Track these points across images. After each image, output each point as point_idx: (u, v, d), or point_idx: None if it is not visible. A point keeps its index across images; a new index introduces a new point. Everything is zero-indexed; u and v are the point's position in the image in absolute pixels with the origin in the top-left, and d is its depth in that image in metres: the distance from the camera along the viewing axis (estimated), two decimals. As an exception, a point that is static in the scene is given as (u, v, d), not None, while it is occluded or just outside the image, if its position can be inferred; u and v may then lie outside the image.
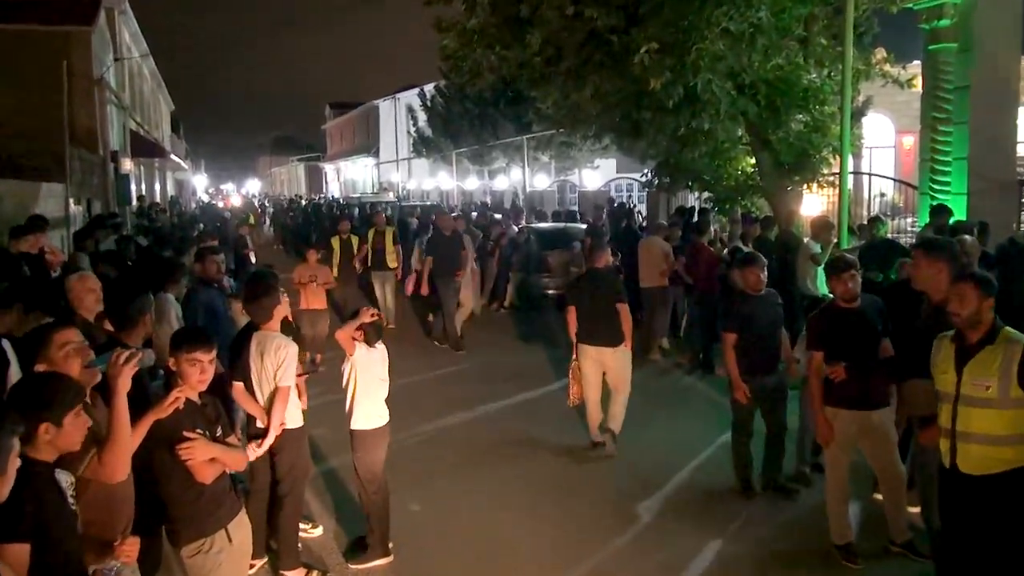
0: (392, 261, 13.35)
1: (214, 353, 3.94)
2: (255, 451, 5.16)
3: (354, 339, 5.56)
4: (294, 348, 5.28)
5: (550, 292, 14.86)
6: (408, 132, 44.09)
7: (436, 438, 8.33)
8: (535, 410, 9.29)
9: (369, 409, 5.62)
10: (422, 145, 39.34)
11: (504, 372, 10.86)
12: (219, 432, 3.98)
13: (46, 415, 3.05)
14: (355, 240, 13.32)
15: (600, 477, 7.18)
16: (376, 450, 5.64)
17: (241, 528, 4.02)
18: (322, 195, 56.92)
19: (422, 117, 39.24)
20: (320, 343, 10.68)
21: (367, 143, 57.54)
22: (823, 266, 7.95)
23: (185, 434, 3.76)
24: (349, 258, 13.11)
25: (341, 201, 42.29)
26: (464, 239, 12.81)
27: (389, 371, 5.85)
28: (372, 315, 5.60)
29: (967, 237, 6.92)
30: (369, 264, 13.37)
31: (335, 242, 13.23)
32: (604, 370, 7.81)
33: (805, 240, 10.32)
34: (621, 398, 7.87)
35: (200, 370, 3.86)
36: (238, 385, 5.31)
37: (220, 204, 48.07)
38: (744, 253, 6.87)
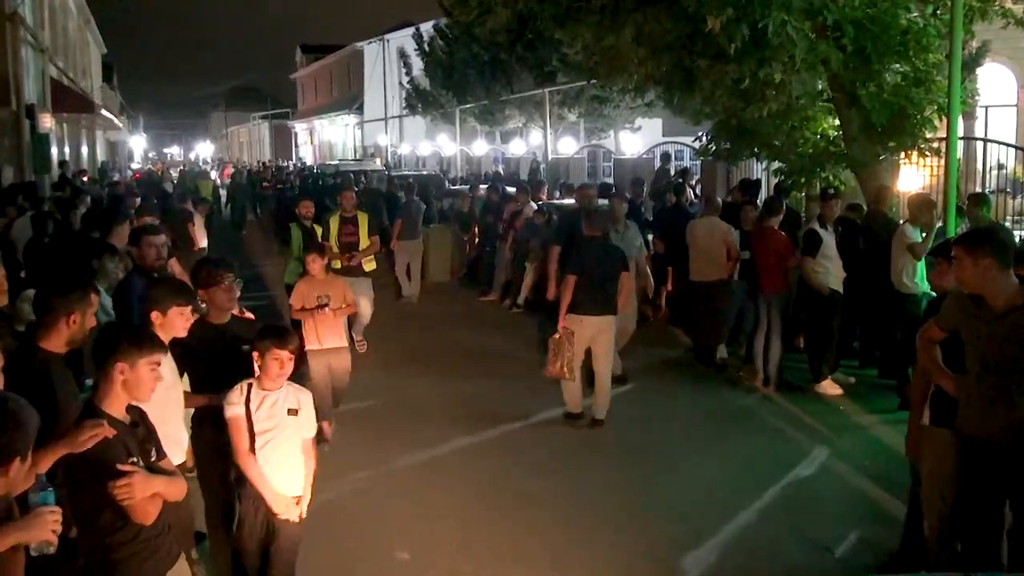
0: (368, 262, 12.22)
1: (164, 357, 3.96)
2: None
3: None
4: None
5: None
6: (400, 83, 44.11)
7: (433, 469, 8.35)
8: (557, 433, 9.31)
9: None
10: (417, 100, 39.32)
11: (518, 386, 10.86)
12: (153, 456, 3.98)
13: (25, 443, 3.09)
14: (319, 229, 11.97)
15: (640, 519, 7.18)
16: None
17: None
18: (292, 161, 57.06)
19: (418, 64, 39.24)
20: (340, 397, 9.25)
21: (348, 96, 57.65)
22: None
23: (119, 467, 3.72)
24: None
25: (284, 165, 42.08)
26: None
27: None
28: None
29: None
30: (337, 264, 11.68)
31: (295, 232, 11.80)
32: (592, 342, 9.31)
33: (901, 223, 10.26)
34: (606, 379, 9.43)
35: (156, 376, 3.93)
36: None
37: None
38: None
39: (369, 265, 12.18)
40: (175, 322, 5.21)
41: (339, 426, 9.03)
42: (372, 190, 23.16)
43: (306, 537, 6.84)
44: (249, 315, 7.59)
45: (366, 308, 12.09)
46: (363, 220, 12.15)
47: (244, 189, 33.87)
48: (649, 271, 11.20)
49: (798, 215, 12.33)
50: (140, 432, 3.96)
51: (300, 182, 31.06)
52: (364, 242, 12.01)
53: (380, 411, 9.48)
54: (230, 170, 48.36)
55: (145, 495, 3.78)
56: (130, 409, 3.95)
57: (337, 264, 11.34)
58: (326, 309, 8.69)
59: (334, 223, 12.05)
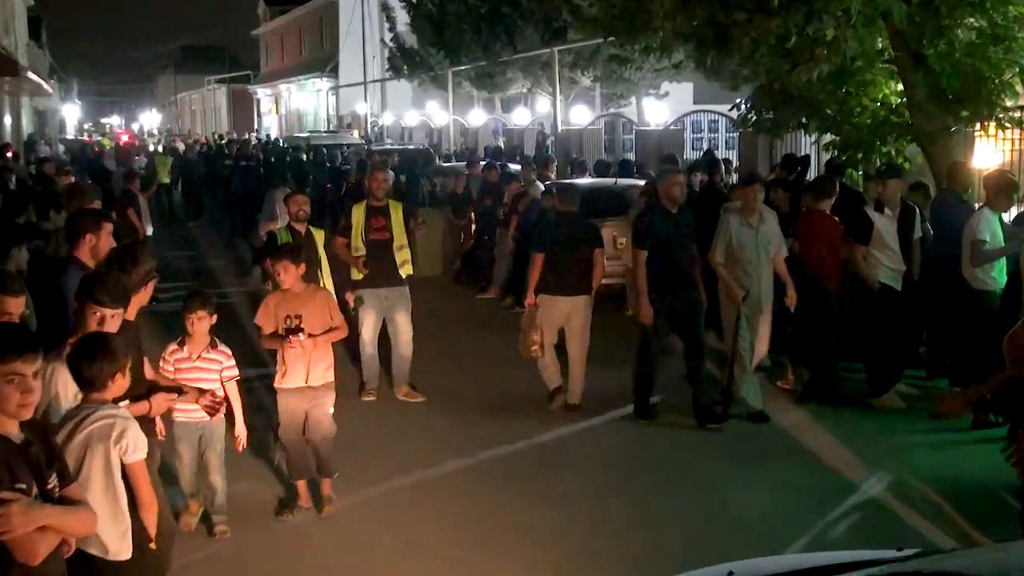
0: (407, 265, 10.98)
1: (39, 363, 3.92)
2: None
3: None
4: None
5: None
6: (382, 41, 44.12)
7: (418, 498, 8.35)
8: (565, 456, 9.33)
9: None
10: (403, 60, 39.36)
11: (520, 400, 10.88)
12: (52, 481, 3.94)
13: None
14: (320, 235, 10.50)
15: (664, 558, 7.17)
16: None
17: None
18: (254, 132, 57.01)
19: (403, 18, 39.26)
20: (326, 455, 8.03)
21: (321, 57, 57.66)
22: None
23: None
24: (310, 275, 9.07)
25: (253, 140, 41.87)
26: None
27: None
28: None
29: None
30: (359, 274, 10.80)
31: (283, 240, 9.89)
32: (564, 323, 10.32)
33: (976, 207, 10.26)
34: (580, 363, 10.41)
35: (22, 389, 3.82)
36: None
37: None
38: None
39: (407, 269, 11.00)
40: (87, 321, 5.25)
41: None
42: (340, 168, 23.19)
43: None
44: (224, 349, 7.46)
45: (406, 329, 10.96)
46: (396, 210, 11.02)
47: (196, 168, 33.37)
48: (789, 276, 10.42)
49: (860, 196, 12.29)
50: (35, 452, 3.91)
51: (264, 158, 30.92)
52: (400, 239, 10.88)
53: (355, 428, 9.47)
54: (124, 138, 48.01)
55: (28, 528, 3.73)
56: (26, 426, 3.91)
57: (357, 274, 10.74)
58: (300, 337, 7.67)
59: (358, 215, 10.88)
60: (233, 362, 7.47)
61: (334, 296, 9.15)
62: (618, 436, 9.90)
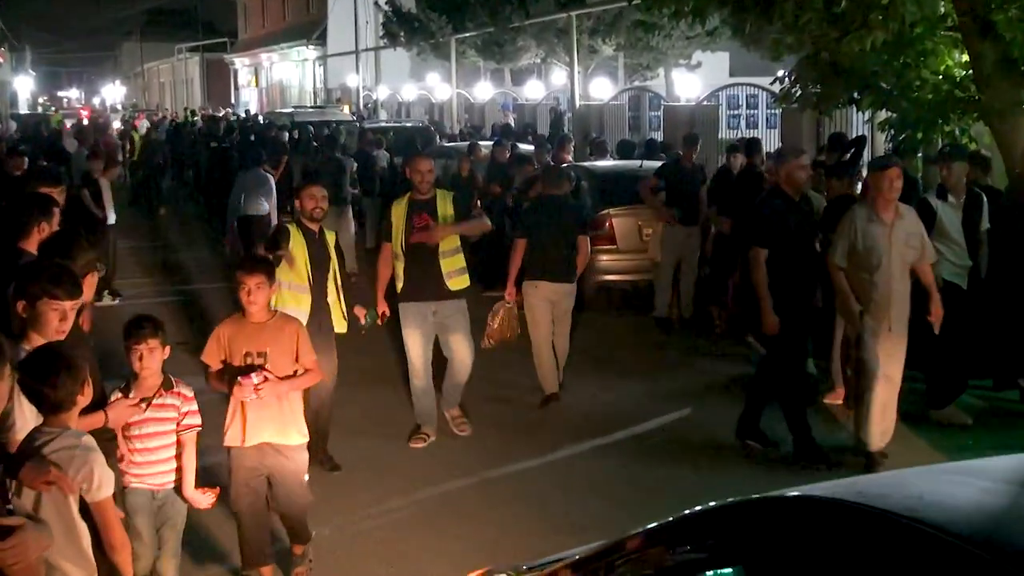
0: (459, 277, 10.09)
1: (7, 368, 3.97)
2: None
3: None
4: None
5: (612, 279, 14.82)
6: (376, 3, 44.21)
7: (420, 522, 8.37)
8: (585, 474, 9.35)
9: None
10: (399, 26, 39.38)
11: (528, 410, 10.93)
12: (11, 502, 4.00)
13: None
14: (332, 238, 9.43)
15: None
16: None
17: None
18: (228, 109, 57.07)
19: (400, -21, 39.35)
20: (301, 531, 7.34)
21: (306, 22, 57.72)
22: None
23: (3, 522, 3.72)
24: (322, 284, 9.09)
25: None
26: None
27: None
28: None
29: None
30: (401, 287, 10.02)
31: (295, 236, 8.98)
32: (553, 309, 11.10)
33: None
34: (563, 352, 11.36)
35: None
36: None
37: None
38: None
39: (460, 282, 10.13)
40: (47, 320, 5.23)
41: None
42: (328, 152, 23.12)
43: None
44: (183, 390, 6.45)
45: (461, 348, 10.24)
46: (445, 203, 9.96)
47: (161, 148, 33.07)
48: (935, 287, 9.39)
49: (915, 182, 12.25)
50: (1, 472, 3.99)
51: (241, 137, 30.88)
52: (451, 241, 10.00)
53: (348, 444, 9.48)
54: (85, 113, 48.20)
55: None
56: None
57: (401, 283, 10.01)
58: (254, 379, 6.60)
59: (398, 213, 9.92)
60: (195, 406, 6.39)
61: (333, 323, 9.12)
62: (638, 454, 9.93)
